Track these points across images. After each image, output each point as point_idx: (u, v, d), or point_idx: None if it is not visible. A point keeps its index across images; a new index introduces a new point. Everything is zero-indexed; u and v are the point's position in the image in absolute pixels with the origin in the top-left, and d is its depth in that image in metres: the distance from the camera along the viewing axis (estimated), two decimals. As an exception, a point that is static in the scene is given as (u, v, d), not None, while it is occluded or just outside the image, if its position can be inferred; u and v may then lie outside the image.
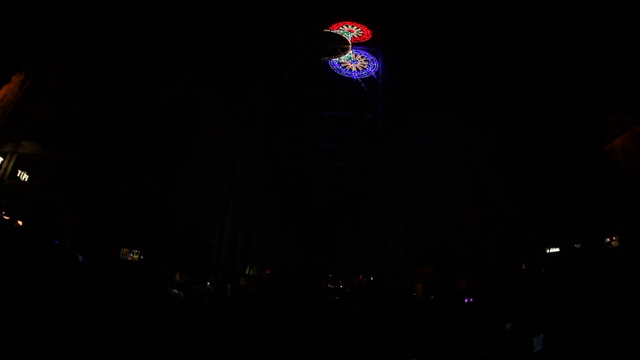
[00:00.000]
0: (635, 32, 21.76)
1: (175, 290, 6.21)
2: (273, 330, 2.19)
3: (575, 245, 23.00)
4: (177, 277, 21.27)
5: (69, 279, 2.76)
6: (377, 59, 36.18)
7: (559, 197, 23.38)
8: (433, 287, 16.96)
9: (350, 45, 36.12)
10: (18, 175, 20.21)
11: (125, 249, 21.58)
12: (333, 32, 36.30)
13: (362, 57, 36.48)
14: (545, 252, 24.73)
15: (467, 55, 32.48)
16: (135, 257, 22.31)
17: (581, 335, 2.35)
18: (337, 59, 35.81)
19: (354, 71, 35.88)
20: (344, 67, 35.90)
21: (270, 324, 2.38)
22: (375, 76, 35.49)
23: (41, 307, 2.27)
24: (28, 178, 20.28)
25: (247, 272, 40.12)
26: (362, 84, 34.80)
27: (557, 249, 24.22)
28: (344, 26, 36.60)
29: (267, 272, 48.17)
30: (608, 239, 21.65)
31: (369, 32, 36.80)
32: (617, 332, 2.07)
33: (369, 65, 36.09)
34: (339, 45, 35.89)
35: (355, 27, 36.75)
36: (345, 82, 35.29)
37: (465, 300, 8.05)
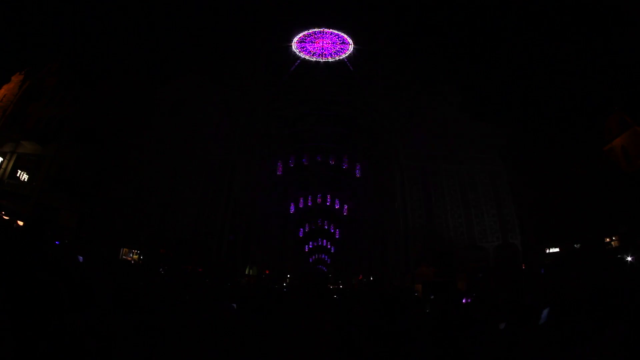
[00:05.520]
0: (635, 32, 21.76)
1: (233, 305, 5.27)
2: (276, 330, 2.18)
3: (575, 245, 23.03)
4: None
5: (69, 279, 2.76)
6: (377, 58, 36.20)
7: (559, 197, 23.40)
8: (433, 287, 16.93)
9: (350, 45, 36.17)
10: (18, 175, 20.21)
11: (125, 249, 21.59)
12: (333, 32, 36.33)
13: (360, 54, 36.51)
14: (545, 252, 24.76)
15: (467, 55, 32.52)
16: (135, 257, 22.32)
17: (583, 336, 2.35)
18: (337, 58, 35.85)
19: (353, 70, 35.90)
20: (343, 65, 35.93)
21: (273, 323, 2.38)
22: (374, 76, 35.50)
23: (41, 307, 2.26)
24: (28, 178, 20.28)
25: (247, 272, 40.11)
26: (362, 84, 34.81)
27: (557, 249, 24.26)
28: (344, 27, 36.64)
29: (267, 272, 48.17)
30: (608, 239, 21.69)
31: (369, 32, 36.83)
32: (622, 334, 2.06)
33: (368, 64, 36.11)
34: (339, 44, 35.92)
35: (355, 28, 36.79)
36: (345, 82, 35.28)
37: (463, 301, 8.04)
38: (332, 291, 25.03)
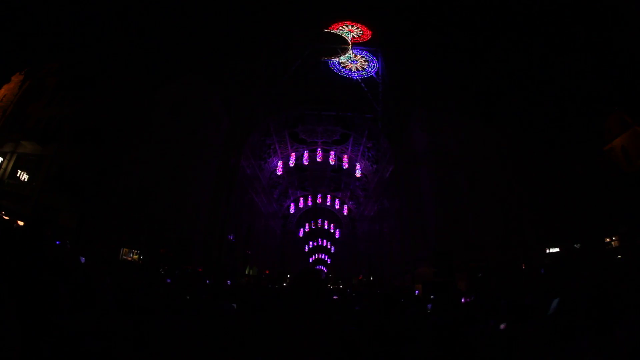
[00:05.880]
0: (635, 32, 21.76)
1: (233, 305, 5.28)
2: (273, 330, 2.18)
3: (575, 245, 23.03)
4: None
5: (70, 279, 2.76)
6: (377, 59, 36.17)
7: (559, 197, 23.40)
8: (433, 287, 16.90)
9: (350, 45, 36.10)
10: (18, 175, 20.22)
11: (125, 249, 21.59)
12: (333, 32, 36.27)
13: (362, 57, 36.46)
14: (545, 252, 24.75)
15: (468, 55, 32.51)
16: (135, 257, 22.32)
17: (584, 337, 2.35)
18: (337, 59, 35.79)
19: (354, 71, 35.85)
20: (344, 67, 35.87)
21: (270, 323, 2.38)
22: (375, 76, 35.47)
23: (42, 308, 2.26)
24: (28, 178, 20.29)
25: (247, 272, 40.14)
26: (362, 84, 34.78)
27: (557, 249, 24.25)
28: (344, 26, 36.57)
29: (267, 272, 48.21)
30: (608, 239, 21.69)
31: (369, 32, 36.76)
32: (624, 335, 2.06)
33: (369, 65, 36.06)
34: (339, 45, 35.87)
35: (355, 27, 36.73)
36: (345, 82, 35.25)
37: (463, 300, 8.04)
38: (332, 291, 25.03)
